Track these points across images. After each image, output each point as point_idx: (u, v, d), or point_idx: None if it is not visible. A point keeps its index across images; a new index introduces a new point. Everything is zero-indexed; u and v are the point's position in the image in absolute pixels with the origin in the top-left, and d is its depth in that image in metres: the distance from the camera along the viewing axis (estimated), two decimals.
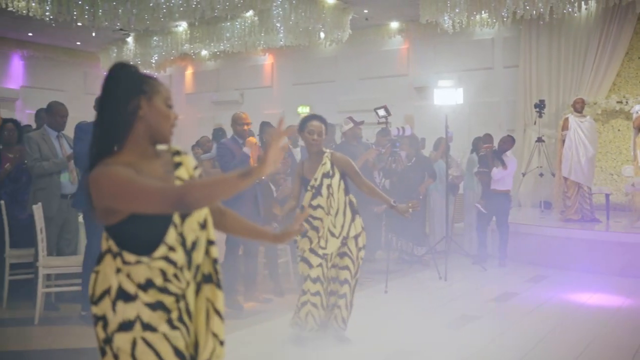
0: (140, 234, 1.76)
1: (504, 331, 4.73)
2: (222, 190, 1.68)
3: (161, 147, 1.92)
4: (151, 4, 8.99)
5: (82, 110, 11.49)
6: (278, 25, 10.13)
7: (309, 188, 4.07)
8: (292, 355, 4.12)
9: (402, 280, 6.70)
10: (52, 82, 13.42)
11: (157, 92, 1.85)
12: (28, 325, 4.77)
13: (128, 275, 1.76)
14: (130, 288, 1.75)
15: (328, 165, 4.06)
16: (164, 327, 1.77)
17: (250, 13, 10.46)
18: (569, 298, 5.87)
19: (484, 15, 9.43)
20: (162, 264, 1.77)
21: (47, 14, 9.16)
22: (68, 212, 5.33)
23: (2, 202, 5.34)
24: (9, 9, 8.92)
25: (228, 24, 10.98)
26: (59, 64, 13.73)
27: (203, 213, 1.89)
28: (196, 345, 1.87)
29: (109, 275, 1.78)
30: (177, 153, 1.95)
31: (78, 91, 13.80)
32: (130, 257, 1.76)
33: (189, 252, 1.83)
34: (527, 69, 10.54)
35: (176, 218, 1.80)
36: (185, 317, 1.82)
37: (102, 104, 1.80)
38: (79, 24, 9.60)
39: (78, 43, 13.36)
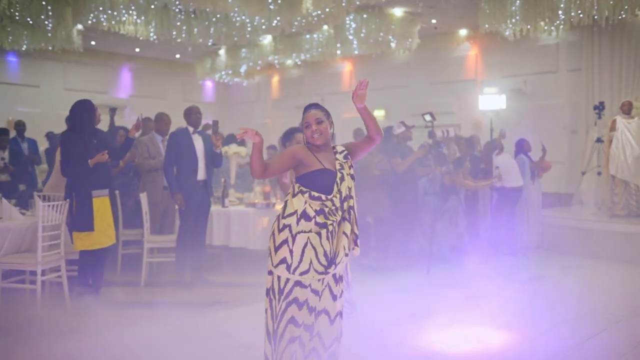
0: (319, 183, 3.21)
1: (509, 308, 5.50)
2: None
3: None
4: (237, 24, 10.29)
5: (181, 115, 13.05)
6: (350, 37, 11.17)
7: None
8: None
9: (450, 264, 7.54)
10: (155, 91, 15.15)
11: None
12: (136, 287, 6.11)
13: (310, 205, 3.19)
14: (310, 212, 3.18)
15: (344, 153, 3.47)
16: (324, 233, 3.17)
17: (326, 27, 11.56)
18: (594, 285, 6.55)
19: (542, 23, 10.00)
20: (328, 203, 3.18)
21: (151, 34, 10.66)
22: (168, 200, 6.64)
23: (117, 191, 6.74)
24: (121, 32, 10.47)
25: (307, 36, 12.13)
26: (161, 75, 15.43)
27: (349, 184, 3.28)
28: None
29: (296, 203, 3.20)
30: (336, 152, 3.49)
31: (177, 99, 15.48)
32: (314, 194, 3.20)
33: (342, 200, 3.20)
34: (589, 72, 10.94)
35: (338, 180, 3.24)
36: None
37: None
38: (178, 40, 11.06)
39: (177, 56, 14.99)
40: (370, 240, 8.60)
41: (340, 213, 3.25)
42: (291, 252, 3.15)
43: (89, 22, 9.99)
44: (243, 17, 10.26)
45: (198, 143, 6.15)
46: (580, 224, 8.40)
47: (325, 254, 3.19)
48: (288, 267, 3.15)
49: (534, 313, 5.30)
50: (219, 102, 17.10)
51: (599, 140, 9.93)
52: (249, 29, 10.49)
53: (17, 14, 9.78)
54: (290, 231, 3.19)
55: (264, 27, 10.35)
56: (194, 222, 6.12)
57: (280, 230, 3.21)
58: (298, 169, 3.30)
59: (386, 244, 7.95)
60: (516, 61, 11.73)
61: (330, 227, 3.21)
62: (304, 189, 3.23)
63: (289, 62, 14.59)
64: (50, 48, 11.55)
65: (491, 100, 7.91)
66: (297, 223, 3.19)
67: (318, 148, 3.30)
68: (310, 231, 3.18)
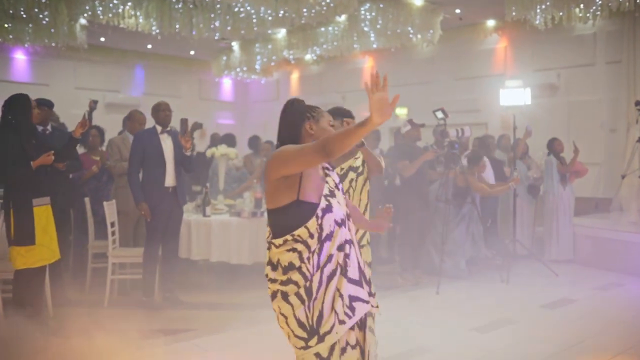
0: (294, 217, 2.29)
1: (531, 337, 4.63)
2: (349, 138, 2.18)
3: None
4: (242, 15, 9.58)
5: (197, 115, 12.45)
6: (366, 29, 10.34)
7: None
8: None
9: (465, 282, 6.67)
10: (170, 89, 14.57)
11: (322, 116, 2.53)
12: (98, 308, 5.41)
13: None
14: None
15: (360, 161, 3.83)
16: (294, 299, 2.28)
17: (342, 18, 10.75)
18: (636, 308, 5.56)
19: (577, 10, 8.99)
20: (300, 246, 2.28)
21: (153, 28, 10.03)
22: None
23: (87, 198, 6.07)
24: (121, 25, 9.88)
25: (322, 29, 11.35)
26: (175, 72, 14.87)
27: (342, 212, 2.39)
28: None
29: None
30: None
31: (193, 97, 14.92)
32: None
33: (321, 242, 2.29)
34: (630, 65, 9.87)
35: (319, 211, 2.30)
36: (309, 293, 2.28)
37: (281, 127, 2.49)
38: (183, 34, 10.41)
39: (192, 52, 14.40)
40: (381, 251, 7.80)
41: None
42: None
43: (85, 15, 9.47)
44: (248, 8, 9.55)
45: (167, 144, 5.41)
46: (617, 235, 7.39)
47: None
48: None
49: (556, 354, 4.40)
50: (237, 100, 16.49)
51: None
52: (254, 20, 9.75)
53: (11, 9, 9.35)
54: None
55: (270, 18, 9.60)
56: (163, 234, 5.40)
57: None
58: None
59: (396, 257, 7.11)
60: (549, 53, 10.73)
61: None
62: None
63: (307, 57, 13.86)
64: (53, 45, 11.09)
65: (514, 95, 6.97)
66: None
67: None
68: None
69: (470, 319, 5.17)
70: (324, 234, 2.30)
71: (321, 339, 2.24)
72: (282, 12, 9.44)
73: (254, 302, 5.48)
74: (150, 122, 5.75)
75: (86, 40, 11.00)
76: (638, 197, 9.55)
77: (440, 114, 6.36)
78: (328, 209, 2.33)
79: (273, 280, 2.33)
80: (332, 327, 2.25)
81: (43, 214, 4.48)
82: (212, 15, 10.01)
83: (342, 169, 3.81)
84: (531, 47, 11.04)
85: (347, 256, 2.34)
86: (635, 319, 5.27)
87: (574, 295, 6.06)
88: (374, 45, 11.72)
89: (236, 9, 9.55)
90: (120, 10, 9.33)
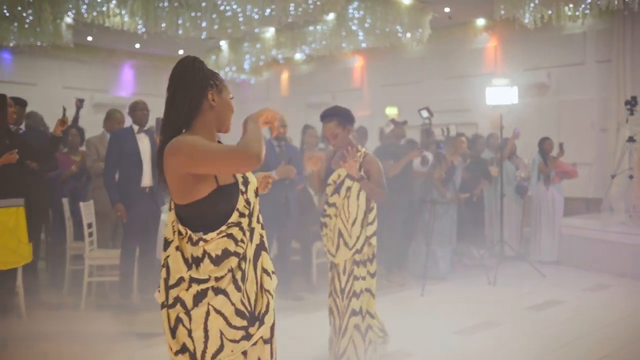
0: (222, 205, 1.99)
1: (516, 340, 4.54)
2: (260, 140, 1.93)
3: None
4: (229, 13, 9.45)
5: None
6: (355, 28, 10.24)
7: (330, 181, 3.76)
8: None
9: (447, 284, 6.57)
10: (159, 89, 14.33)
11: (225, 87, 2.12)
12: (75, 311, 5.29)
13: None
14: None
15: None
16: (230, 288, 1.99)
17: (331, 17, 10.64)
18: (624, 309, 5.47)
19: (566, 8, 8.90)
20: (234, 230, 2.01)
21: (139, 26, 9.90)
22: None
23: (66, 199, 5.94)
24: (106, 24, 9.75)
25: (311, 28, 11.24)
26: (164, 72, 14.50)
27: (255, 182, 2.15)
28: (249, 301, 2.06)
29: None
30: None
31: None
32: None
33: (250, 217, 2.06)
34: (620, 64, 9.79)
35: (242, 186, 2.05)
36: (245, 278, 2.04)
37: (176, 91, 2.03)
38: (169, 33, 10.28)
39: (180, 52, 14.26)
40: None
41: None
42: None
43: (70, 13, 9.35)
44: (234, 7, 9.43)
45: (143, 144, 5.29)
46: (604, 236, 7.31)
47: None
48: None
49: (541, 356, 4.30)
50: None
51: (630, 139, 8.79)
52: (241, 19, 9.63)
53: None
54: None
55: (257, 16, 9.48)
56: (141, 235, 5.27)
57: None
58: None
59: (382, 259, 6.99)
60: (539, 53, 10.65)
61: None
62: None
63: (297, 57, 13.74)
64: (39, 44, 10.95)
65: (501, 94, 6.86)
66: None
67: None
68: None
69: (454, 321, 5.07)
70: (251, 208, 2.09)
71: (261, 322, 2.06)
72: (268, 10, 9.33)
73: None
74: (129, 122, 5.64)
75: (72, 40, 10.87)
76: (627, 197, 9.49)
77: (425, 113, 6.26)
78: (245, 180, 2.10)
79: (196, 280, 1.98)
80: (267, 306, 2.08)
81: (11, 215, 4.33)
82: (199, 14, 9.90)
83: (339, 175, 3.74)
84: (521, 46, 10.96)
85: (263, 227, 2.15)
86: (623, 320, 5.18)
87: (561, 296, 5.97)
88: (363, 45, 11.62)
89: (222, 7, 9.43)
90: (104, 9, 9.19)
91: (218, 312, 1.99)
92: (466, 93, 11.46)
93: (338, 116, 3.74)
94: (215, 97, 2.06)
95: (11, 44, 11.06)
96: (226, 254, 2.01)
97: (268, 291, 2.12)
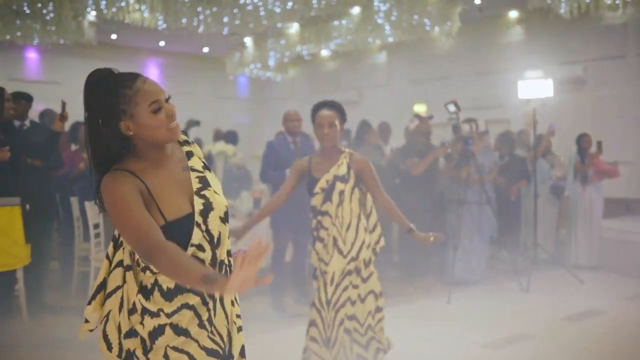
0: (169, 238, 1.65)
1: (551, 355, 4.13)
2: (180, 276, 1.57)
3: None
4: (249, 7, 9.19)
5: (212, 114, 12.10)
6: (380, 21, 9.88)
7: (317, 190, 3.38)
8: None
9: (479, 290, 6.16)
10: (184, 88, 14.24)
11: (136, 103, 1.70)
12: (80, 314, 5.04)
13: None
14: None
15: (344, 168, 3.37)
16: (194, 329, 1.72)
17: (356, 11, 10.30)
18: None
19: None
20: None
21: (159, 22, 9.71)
22: None
23: (75, 198, 5.72)
24: (126, 21, 9.58)
25: (336, 23, 10.91)
26: (189, 70, 14.58)
27: (224, 205, 1.81)
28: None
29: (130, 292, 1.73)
30: (186, 143, 1.89)
31: (207, 95, 14.61)
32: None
33: (214, 249, 1.76)
34: None
35: (198, 217, 1.72)
36: (213, 315, 1.77)
37: (90, 123, 1.71)
38: (190, 30, 10.08)
39: (205, 49, 14.09)
40: (393, 256, 7.32)
41: None
42: None
43: (89, 9, 9.22)
44: (255, 1, 9.17)
45: None
46: None
47: None
48: None
49: None
50: (253, 98, 16.15)
51: None
52: (262, 13, 9.35)
53: (14, 4, 9.15)
54: None
55: (278, 10, 9.19)
56: None
57: None
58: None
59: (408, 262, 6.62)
60: (575, 45, 10.14)
61: None
62: None
63: (323, 53, 13.43)
64: (62, 42, 10.87)
65: (534, 87, 6.41)
66: None
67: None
68: None
69: (483, 333, 4.68)
70: (215, 238, 1.78)
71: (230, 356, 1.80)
72: (290, 4, 9.05)
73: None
74: None
75: (95, 38, 10.75)
76: None
77: (452, 107, 5.86)
78: (207, 207, 1.78)
79: (153, 314, 1.69)
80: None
81: (4, 215, 4.10)
82: (219, 9, 9.65)
83: (327, 181, 3.38)
84: (556, 39, 10.44)
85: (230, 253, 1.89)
86: None
87: (601, 306, 5.50)
88: (390, 39, 11.24)
89: (243, 1, 9.16)
90: (124, 4, 9.02)
91: (185, 354, 1.72)
92: (497, 89, 10.98)
93: (338, 110, 3.41)
94: (130, 126, 1.70)
95: (35, 43, 11.02)
96: (180, 289, 1.70)
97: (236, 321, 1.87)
